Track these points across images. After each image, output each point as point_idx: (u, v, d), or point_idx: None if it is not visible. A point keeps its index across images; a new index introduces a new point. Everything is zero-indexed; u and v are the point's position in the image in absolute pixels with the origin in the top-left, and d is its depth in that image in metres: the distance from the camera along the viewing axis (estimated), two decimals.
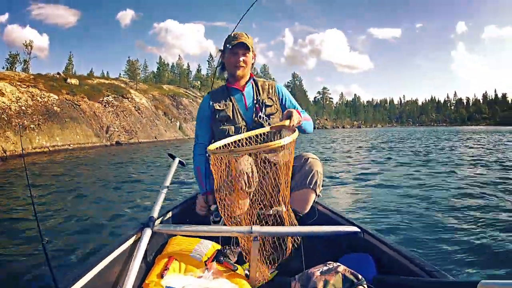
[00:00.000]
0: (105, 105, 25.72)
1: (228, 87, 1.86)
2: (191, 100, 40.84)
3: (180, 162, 2.37)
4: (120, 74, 49.59)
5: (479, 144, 14.81)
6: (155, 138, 27.45)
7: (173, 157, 2.41)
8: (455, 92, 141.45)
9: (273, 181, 1.42)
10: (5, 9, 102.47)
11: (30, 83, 21.10)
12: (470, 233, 2.80)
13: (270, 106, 1.82)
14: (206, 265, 1.33)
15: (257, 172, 1.52)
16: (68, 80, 25.87)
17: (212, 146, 1.47)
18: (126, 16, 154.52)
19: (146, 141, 25.58)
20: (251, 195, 1.48)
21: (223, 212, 1.44)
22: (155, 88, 39.80)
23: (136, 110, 28.69)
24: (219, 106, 1.80)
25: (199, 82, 64.70)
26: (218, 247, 1.46)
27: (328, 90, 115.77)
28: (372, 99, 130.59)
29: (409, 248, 1.29)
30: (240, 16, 1.97)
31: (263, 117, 1.77)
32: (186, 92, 45.71)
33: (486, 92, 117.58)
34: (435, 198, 4.13)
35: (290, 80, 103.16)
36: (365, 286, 1.11)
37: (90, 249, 2.70)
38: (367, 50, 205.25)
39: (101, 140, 22.01)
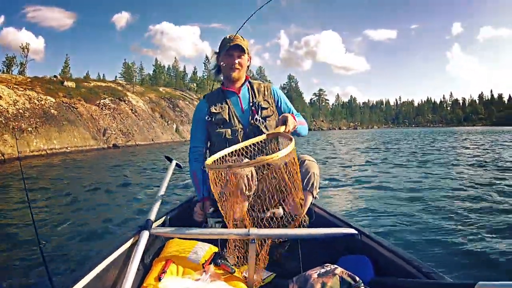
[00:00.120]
0: (102, 108, 25.63)
1: (224, 90, 1.86)
2: (187, 103, 40.79)
3: (177, 164, 2.37)
4: (116, 76, 49.60)
5: (475, 145, 14.87)
6: (152, 140, 27.38)
7: (170, 160, 2.41)
8: (451, 93, 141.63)
9: (272, 183, 1.42)
10: (0, 12, 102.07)
11: (27, 86, 21.04)
12: (467, 234, 2.81)
13: (266, 108, 1.82)
14: (203, 267, 1.33)
15: (256, 175, 1.52)
16: (65, 83, 25.79)
17: (209, 160, 1.42)
18: (122, 18, 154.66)
19: (143, 144, 25.51)
20: (250, 198, 1.48)
21: (222, 214, 1.43)
22: (152, 90, 39.75)
23: (133, 113, 28.62)
24: (215, 109, 1.80)
25: (195, 84, 64.73)
26: (216, 249, 1.46)
27: (324, 91, 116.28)
28: (368, 100, 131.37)
29: (407, 250, 1.29)
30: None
31: (259, 120, 1.77)
32: (182, 94, 45.65)
33: (482, 92, 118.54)
34: (432, 199, 4.14)
35: (286, 82, 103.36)
36: None
37: (87, 252, 2.69)
38: (362, 51, 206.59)
39: (98, 143, 21.92)
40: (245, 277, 1.37)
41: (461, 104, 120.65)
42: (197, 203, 1.79)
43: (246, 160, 1.50)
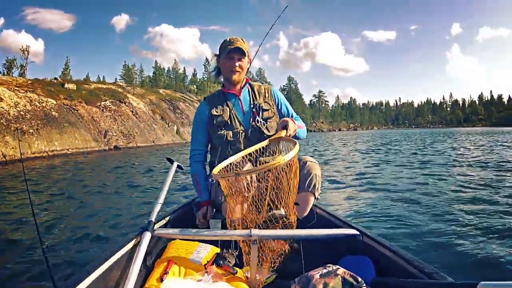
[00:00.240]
0: (102, 110, 25.69)
1: (225, 92, 1.86)
2: (187, 104, 40.83)
3: (178, 166, 2.37)
4: (116, 78, 49.65)
5: (475, 146, 14.86)
6: (153, 142, 27.41)
7: (171, 161, 2.41)
8: (451, 94, 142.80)
9: (273, 184, 1.42)
10: (0, 14, 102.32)
11: (28, 88, 21.10)
12: (467, 235, 2.80)
13: (267, 110, 1.83)
14: (205, 268, 1.33)
15: (256, 175, 1.52)
16: (66, 85, 25.86)
17: (216, 170, 1.43)
18: (121, 20, 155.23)
19: (144, 145, 25.54)
20: (250, 199, 1.48)
21: (224, 215, 1.44)
22: (152, 92, 39.80)
23: (134, 115, 28.65)
24: (216, 112, 1.80)
25: (195, 86, 64.69)
26: (218, 250, 1.46)
27: (324, 93, 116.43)
28: (368, 102, 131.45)
29: (408, 251, 1.29)
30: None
31: (260, 121, 1.78)
32: (182, 96, 45.71)
33: (481, 93, 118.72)
34: (433, 200, 4.14)
35: (286, 84, 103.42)
36: None
37: (89, 253, 2.70)
38: (362, 52, 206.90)
39: (99, 145, 21.96)
40: (247, 277, 1.37)
41: (460, 105, 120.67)
42: (199, 210, 1.80)
43: (249, 164, 1.51)
